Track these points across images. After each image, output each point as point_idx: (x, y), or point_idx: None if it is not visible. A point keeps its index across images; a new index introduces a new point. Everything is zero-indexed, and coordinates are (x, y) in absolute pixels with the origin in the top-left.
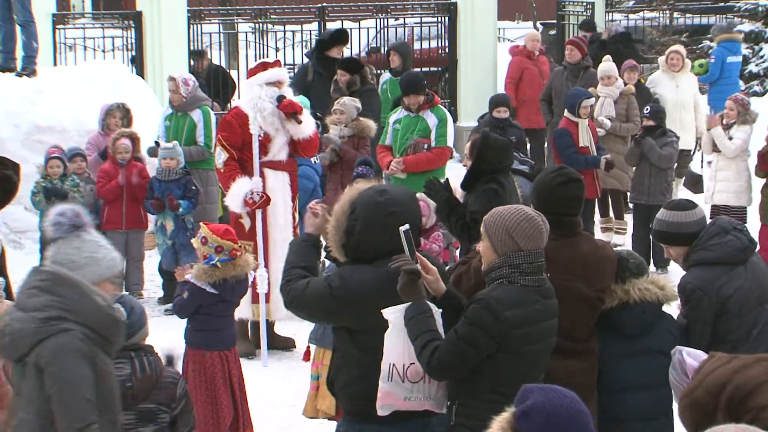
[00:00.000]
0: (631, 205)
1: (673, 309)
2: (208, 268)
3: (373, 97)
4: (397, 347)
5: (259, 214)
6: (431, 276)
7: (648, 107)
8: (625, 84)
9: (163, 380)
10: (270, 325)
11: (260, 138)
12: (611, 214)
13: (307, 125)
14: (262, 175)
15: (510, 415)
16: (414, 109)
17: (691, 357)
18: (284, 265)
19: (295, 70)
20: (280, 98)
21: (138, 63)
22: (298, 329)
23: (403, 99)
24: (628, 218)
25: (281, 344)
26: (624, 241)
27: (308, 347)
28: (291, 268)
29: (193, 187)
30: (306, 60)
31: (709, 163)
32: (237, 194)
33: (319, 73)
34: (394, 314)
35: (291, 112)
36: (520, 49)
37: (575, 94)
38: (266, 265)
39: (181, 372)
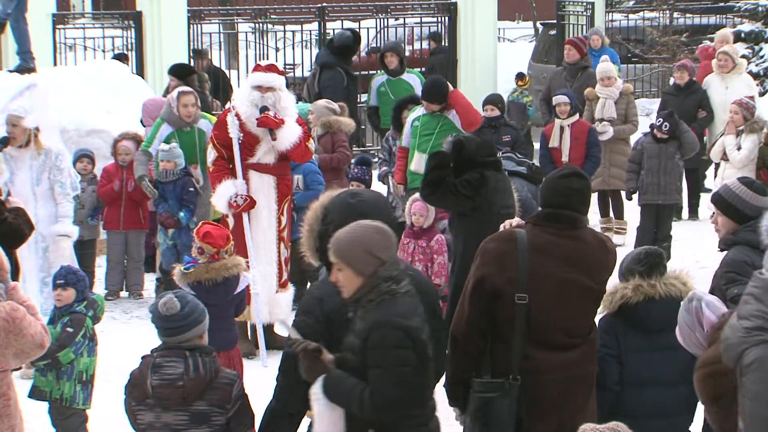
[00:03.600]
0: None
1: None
2: (183, 270)
3: (202, 103)
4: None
5: (246, 216)
6: (326, 355)
7: (666, 123)
8: (677, 83)
9: (219, 381)
10: (270, 325)
11: (241, 140)
12: (611, 214)
13: (287, 137)
14: (246, 176)
15: None
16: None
17: (710, 309)
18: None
19: (295, 71)
20: (263, 109)
21: (135, 61)
22: None
23: (423, 102)
24: (627, 218)
25: (281, 344)
26: (624, 241)
27: None
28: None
29: (191, 188)
30: (314, 63)
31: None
32: (222, 196)
33: (350, 77)
34: (315, 397)
35: (267, 129)
36: (710, 51)
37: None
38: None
39: None
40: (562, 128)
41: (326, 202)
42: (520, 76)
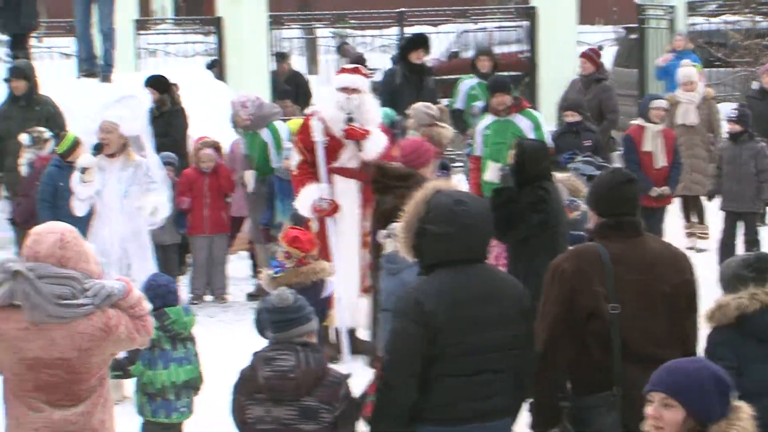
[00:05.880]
0: (722, 213)
1: None
2: (272, 274)
3: (179, 117)
4: None
5: (329, 220)
6: None
7: (735, 111)
8: (763, 87)
9: (327, 379)
10: (352, 330)
11: (326, 145)
12: (693, 219)
13: (373, 147)
14: (331, 180)
15: None
16: (501, 110)
17: None
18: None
19: (375, 76)
20: (348, 120)
21: (219, 68)
22: None
23: (491, 100)
24: (709, 222)
25: (364, 348)
26: (707, 246)
27: None
28: None
29: None
30: (392, 64)
31: None
32: (306, 200)
33: (406, 77)
34: None
35: (354, 140)
36: None
37: (647, 98)
38: None
39: None
40: (654, 133)
41: (430, 199)
42: None
